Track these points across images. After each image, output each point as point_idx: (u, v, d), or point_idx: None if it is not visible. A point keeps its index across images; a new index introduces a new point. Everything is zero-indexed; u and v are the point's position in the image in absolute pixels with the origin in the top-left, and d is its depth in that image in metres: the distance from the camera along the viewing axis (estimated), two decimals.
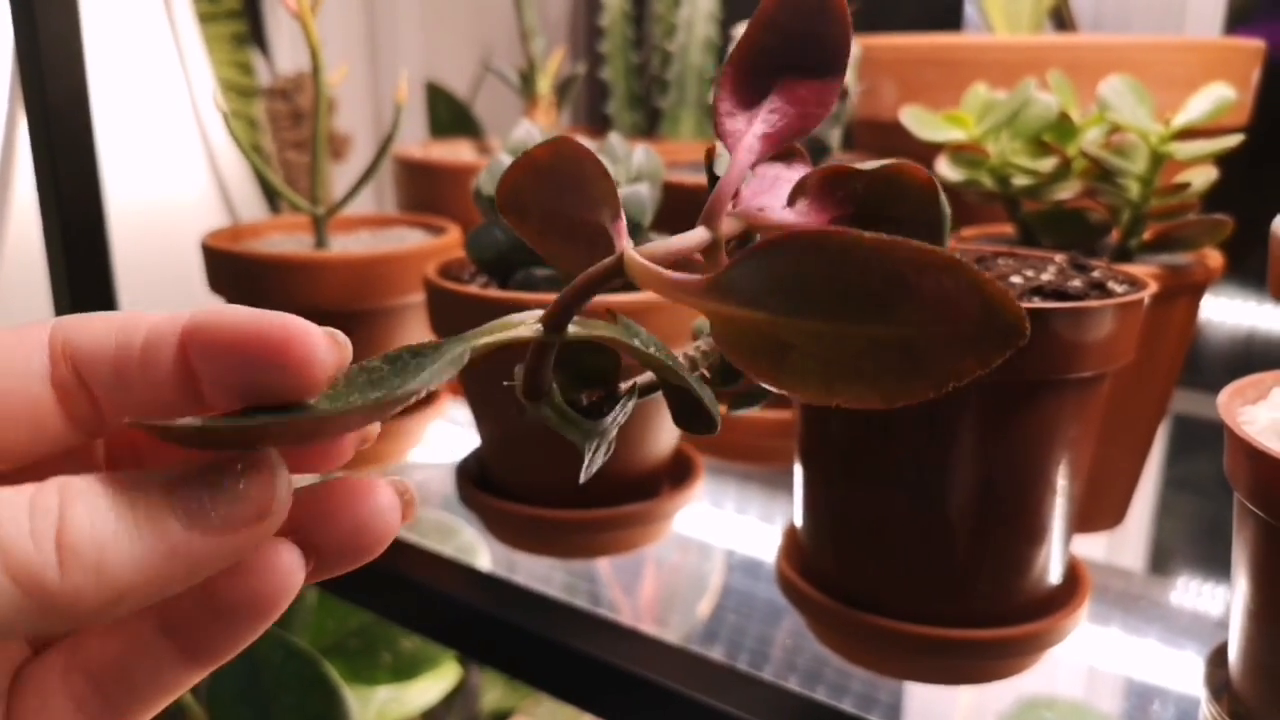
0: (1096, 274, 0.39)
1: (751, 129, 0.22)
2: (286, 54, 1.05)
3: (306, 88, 0.93)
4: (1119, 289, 0.37)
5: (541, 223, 0.24)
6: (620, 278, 0.21)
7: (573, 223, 0.23)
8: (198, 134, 1.00)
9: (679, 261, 0.21)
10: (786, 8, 0.22)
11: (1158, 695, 0.51)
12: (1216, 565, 0.63)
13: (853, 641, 0.40)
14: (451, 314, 0.46)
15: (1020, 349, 0.34)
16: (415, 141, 1.05)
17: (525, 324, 0.21)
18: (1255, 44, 0.61)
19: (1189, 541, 0.69)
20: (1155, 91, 0.56)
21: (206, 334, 0.18)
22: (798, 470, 0.41)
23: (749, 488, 0.66)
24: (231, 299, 0.56)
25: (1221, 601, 0.58)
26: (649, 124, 0.87)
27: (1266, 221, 0.46)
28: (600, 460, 0.23)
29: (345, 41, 1.10)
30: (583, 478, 0.23)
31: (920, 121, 0.48)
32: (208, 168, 0.94)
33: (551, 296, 0.42)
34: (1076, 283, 0.37)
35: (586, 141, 0.24)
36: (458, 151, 0.74)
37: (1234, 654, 0.34)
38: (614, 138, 0.46)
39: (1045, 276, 0.38)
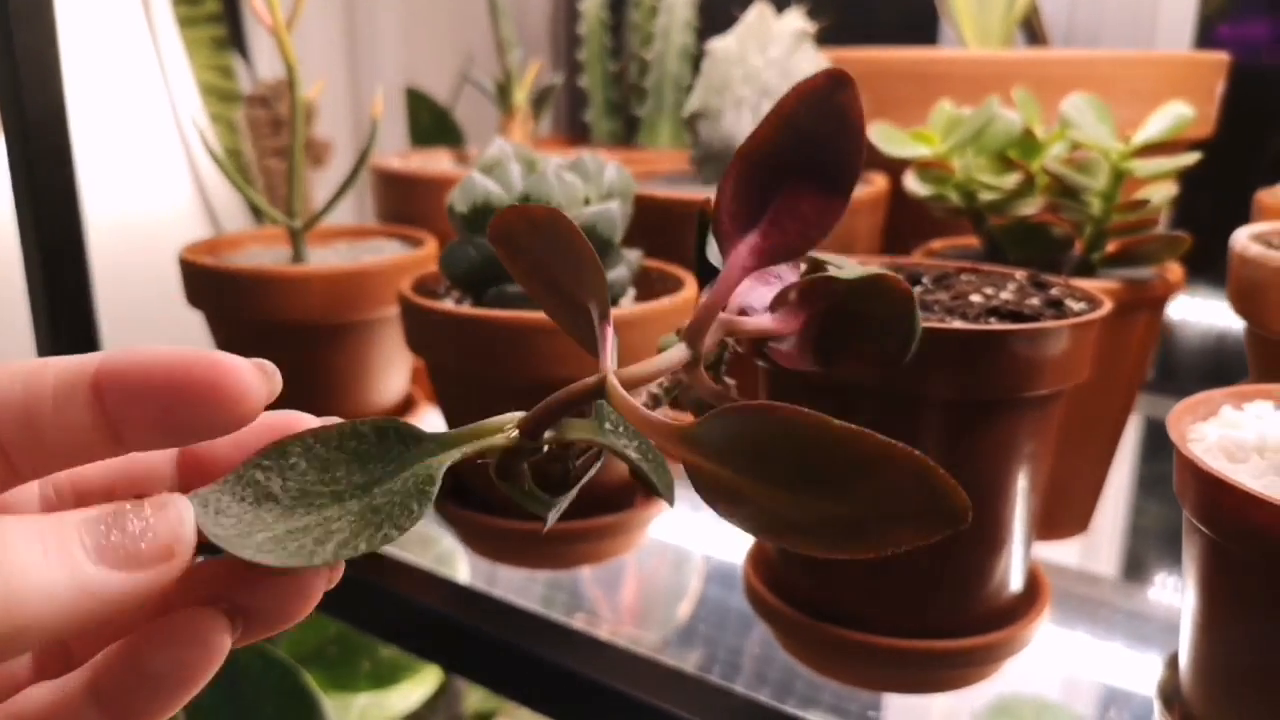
0: (1055, 291, 0.39)
1: (747, 240, 0.23)
2: (267, 60, 1.05)
3: (286, 95, 0.94)
4: (1076, 307, 0.38)
5: (530, 268, 0.24)
6: (600, 396, 0.22)
7: (560, 289, 0.24)
8: (179, 142, 1.00)
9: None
10: (808, 109, 0.22)
11: (1121, 697, 0.52)
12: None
13: (819, 653, 0.41)
14: (425, 330, 0.46)
15: (978, 368, 0.35)
16: (396, 148, 1.05)
17: (503, 431, 0.22)
18: (1219, 58, 0.62)
19: (1159, 544, 0.70)
20: (1122, 105, 0.57)
21: (126, 376, 0.18)
22: None
23: None
24: (210, 313, 0.57)
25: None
26: (627, 131, 0.88)
27: (1236, 222, 0.47)
28: (558, 515, 0.24)
29: (325, 47, 1.10)
30: (546, 529, 0.24)
31: (887, 138, 0.49)
32: (190, 176, 0.94)
33: (522, 313, 0.43)
34: (1034, 301, 0.38)
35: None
36: (437, 161, 0.75)
37: (1184, 662, 0.34)
38: (587, 155, 0.47)
39: (1005, 295, 0.38)
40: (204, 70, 1.19)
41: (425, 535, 0.68)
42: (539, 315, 0.42)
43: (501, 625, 0.48)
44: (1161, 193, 0.45)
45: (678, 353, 0.22)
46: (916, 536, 0.18)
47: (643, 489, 0.51)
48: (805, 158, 0.23)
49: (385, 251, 0.61)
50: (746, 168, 0.23)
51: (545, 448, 0.22)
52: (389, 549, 0.56)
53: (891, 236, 0.60)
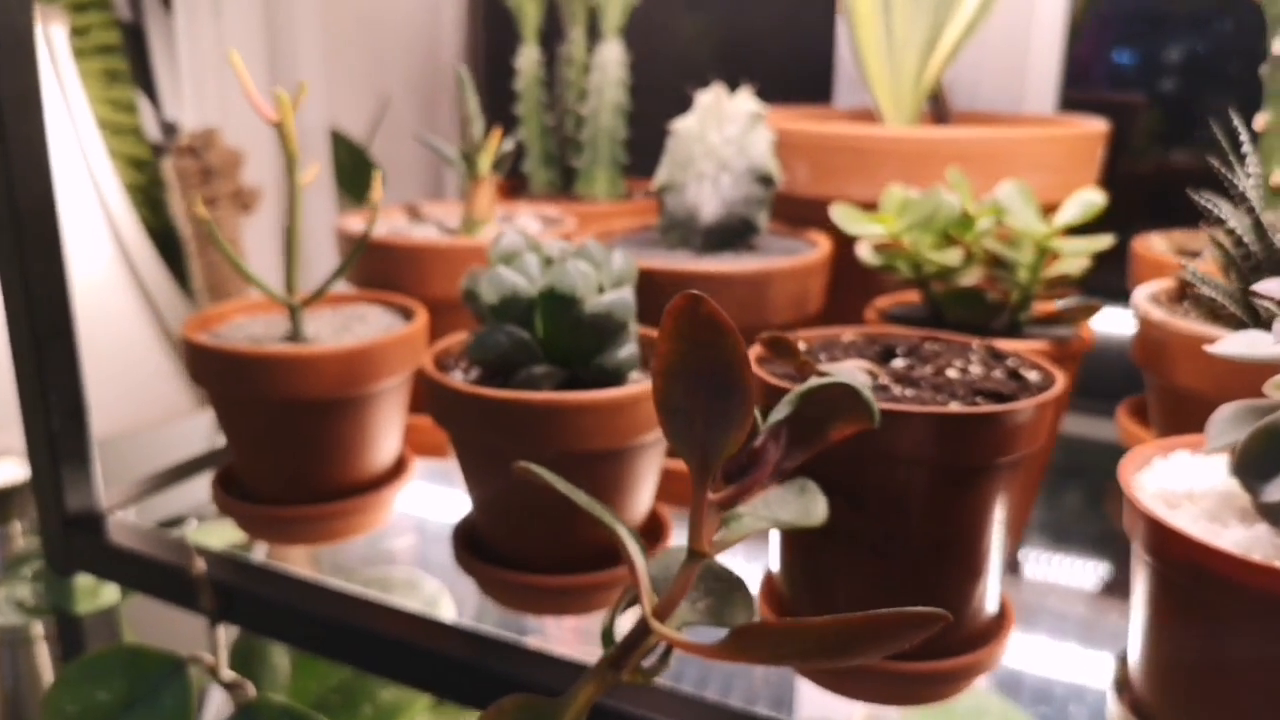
0: (1010, 363, 0.48)
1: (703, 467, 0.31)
2: (190, 108, 1.04)
3: (215, 144, 0.94)
4: (1031, 376, 0.46)
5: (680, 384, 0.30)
6: (650, 634, 0.31)
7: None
8: (93, 193, 0.98)
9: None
10: (689, 323, 0.28)
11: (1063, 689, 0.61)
12: (1098, 571, 0.75)
13: (826, 674, 0.47)
14: (454, 408, 0.50)
15: (965, 441, 0.43)
16: (323, 191, 1.07)
17: (604, 680, 0.32)
18: (1100, 128, 0.73)
19: (1084, 549, 0.80)
20: (1028, 171, 0.66)
21: None
22: (774, 530, 0.49)
23: None
24: (215, 390, 0.59)
25: (1098, 604, 0.69)
26: (564, 181, 0.93)
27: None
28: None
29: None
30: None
31: (847, 218, 0.57)
32: (109, 236, 0.93)
33: (556, 396, 0.50)
34: (998, 374, 0.46)
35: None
36: (392, 221, 0.78)
37: (1132, 659, 0.43)
38: (591, 243, 0.52)
39: (974, 370, 0.46)
40: (97, 104, 1.16)
41: (411, 581, 0.71)
42: (570, 396, 0.47)
43: (482, 652, 0.52)
44: (1076, 264, 0.54)
45: (691, 568, 0.32)
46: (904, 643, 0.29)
47: (647, 540, 0.57)
48: (703, 361, 0.28)
49: (371, 319, 0.64)
50: (665, 383, 0.29)
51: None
52: (384, 598, 0.59)
53: (837, 288, 0.68)
